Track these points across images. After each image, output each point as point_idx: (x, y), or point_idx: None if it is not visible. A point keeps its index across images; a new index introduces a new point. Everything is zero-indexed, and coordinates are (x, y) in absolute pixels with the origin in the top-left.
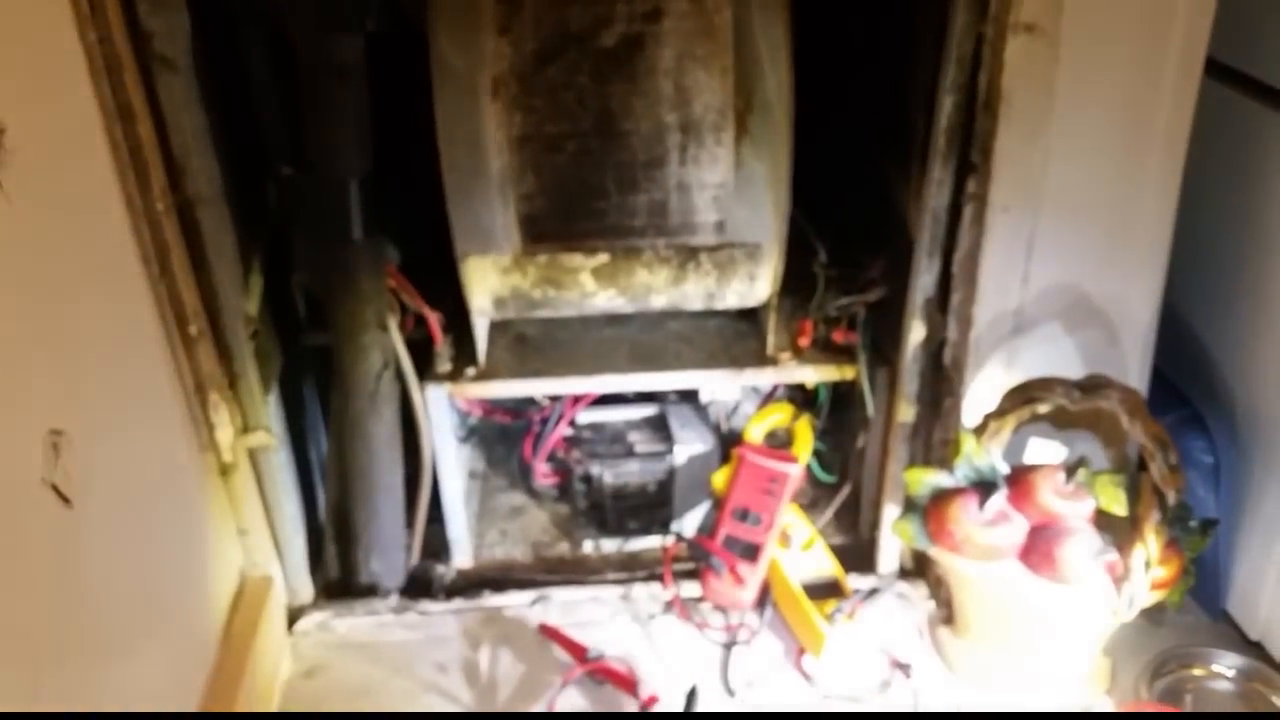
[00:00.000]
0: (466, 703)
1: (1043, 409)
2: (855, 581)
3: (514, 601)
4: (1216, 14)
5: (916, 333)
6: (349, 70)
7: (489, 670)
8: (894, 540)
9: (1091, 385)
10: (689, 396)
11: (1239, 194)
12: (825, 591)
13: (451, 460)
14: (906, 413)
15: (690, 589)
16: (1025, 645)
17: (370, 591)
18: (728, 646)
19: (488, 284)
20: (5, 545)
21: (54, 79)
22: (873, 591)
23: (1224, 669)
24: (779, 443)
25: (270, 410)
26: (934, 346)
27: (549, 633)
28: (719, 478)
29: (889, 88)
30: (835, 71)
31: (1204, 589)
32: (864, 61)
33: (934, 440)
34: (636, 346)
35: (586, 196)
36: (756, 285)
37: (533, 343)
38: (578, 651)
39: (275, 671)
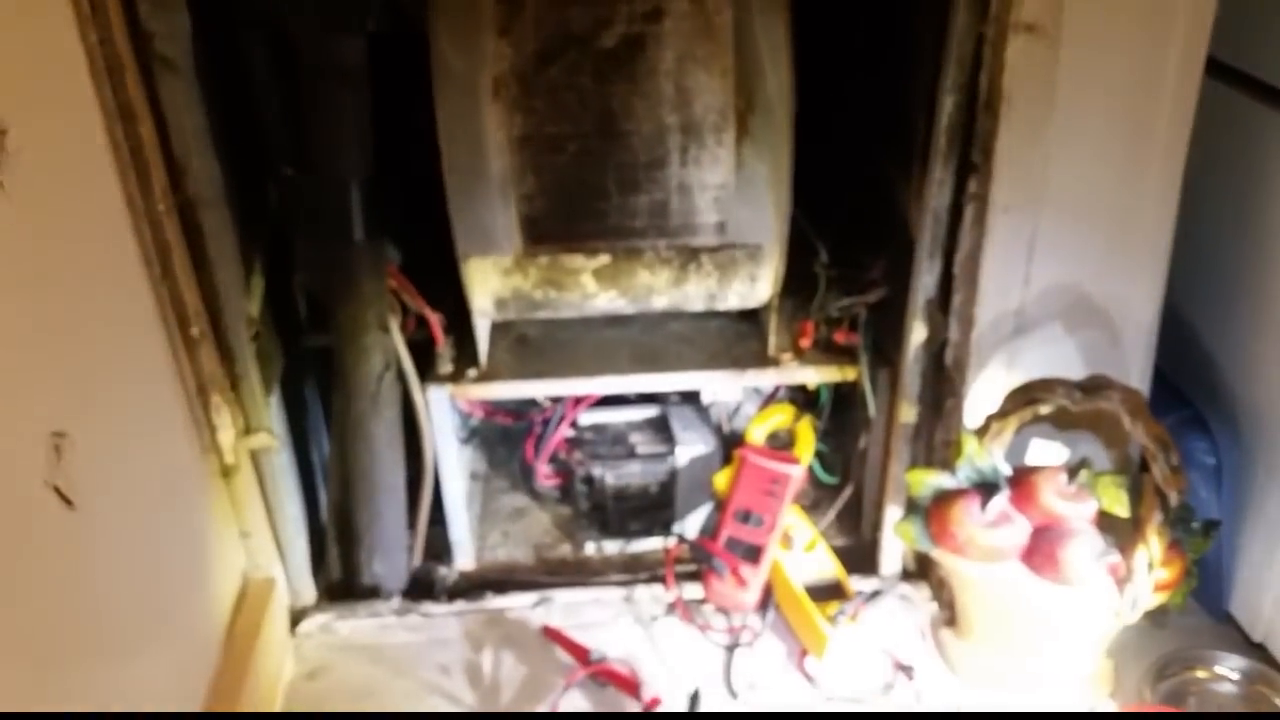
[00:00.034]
0: (469, 704)
1: (1044, 410)
2: (857, 583)
3: (516, 603)
4: (1218, 14)
5: (918, 333)
6: (350, 71)
7: (491, 672)
8: (896, 542)
9: (1093, 386)
10: (690, 398)
11: (1241, 194)
12: (827, 593)
13: (453, 462)
14: (908, 414)
15: (693, 591)
16: (1028, 647)
17: (373, 593)
18: (730, 648)
19: (489, 285)
20: (8, 547)
21: (55, 80)
22: (875, 593)
23: (1227, 671)
24: (781, 444)
25: (272, 412)
26: (935, 347)
27: (551, 635)
28: (721, 479)
29: (890, 88)
30: (836, 72)
31: (1207, 591)
32: (865, 62)
33: (936, 441)
34: (638, 347)
35: (587, 197)
36: (758, 286)
37: (534, 344)
38: (580, 653)
39: (278, 673)
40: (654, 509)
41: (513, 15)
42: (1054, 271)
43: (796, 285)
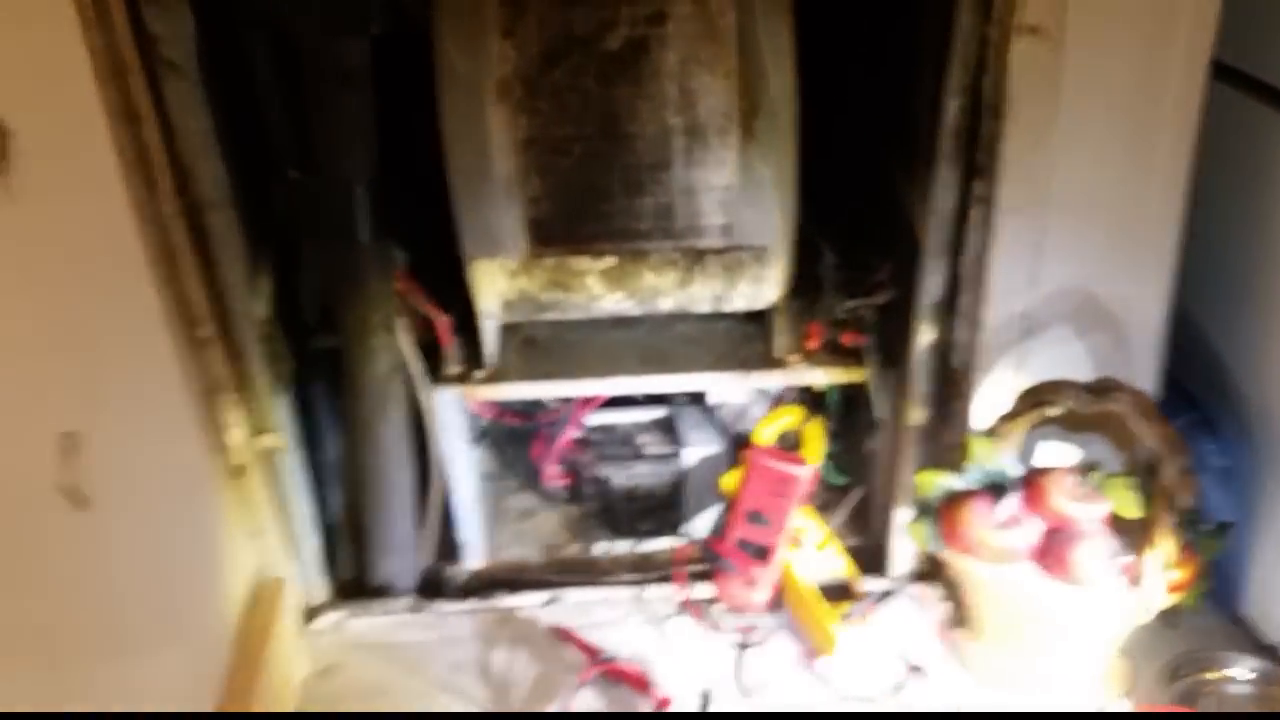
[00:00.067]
0: (481, 703)
1: (1053, 412)
2: (868, 584)
3: (527, 602)
4: (1225, 18)
5: (925, 335)
6: (354, 74)
7: (503, 671)
8: (907, 542)
9: (1102, 388)
10: (698, 399)
11: (1249, 197)
12: (838, 594)
13: (463, 462)
14: (916, 415)
15: (703, 590)
16: (1039, 648)
17: (384, 592)
18: (741, 648)
19: (496, 287)
20: (21, 548)
21: (60, 83)
22: (886, 594)
23: (1240, 672)
24: (789, 445)
25: (281, 412)
26: (943, 349)
27: (562, 634)
28: (729, 480)
29: (895, 90)
30: (841, 74)
31: (1219, 592)
32: (870, 64)
33: (945, 442)
34: (645, 349)
35: (593, 200)
36: (764, 288)
37: (541, 345)
38: (591, 653)
39: (290, 671)
40: (663, 509)
41: (517, 17)
42: (1061, 273)
43: (803, 287)
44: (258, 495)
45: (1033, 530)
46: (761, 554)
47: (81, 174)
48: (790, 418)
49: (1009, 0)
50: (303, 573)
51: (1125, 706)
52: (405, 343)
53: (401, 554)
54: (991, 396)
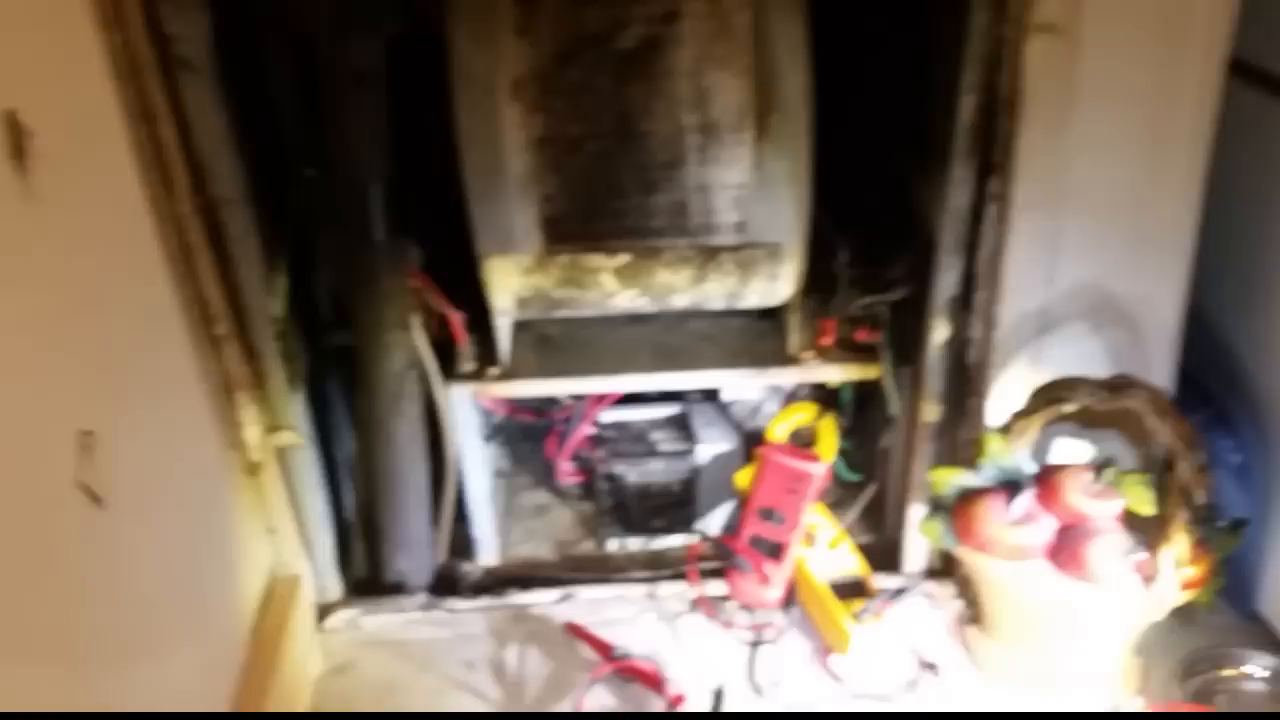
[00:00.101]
0: (494, 700)
1: (1069, 408)
2: (882, 581)
3: (540, 599)
4: (1242, 15)
5: (940, 332)
6: (368, 72)
7: (516, 668)
8: (920, 540)
9: (1118, 385)
10: (711, 396)
11: (1266, 193)
12: (851, 591)
13: (476, 459)
14: (931, 412)
15: (716, 587)
16: (1053, 645)
17: (398, 589)
18: (754, 645)
19: (509, 284)
20: (39, 545)
21: (78, 83)
22: (899, 591)
23: (1256, 669)
24: (803, 442)
25: (296, 410)
26: (958, 346)
27: (575, 631)
28: (743, 477)
29: (910, 88)
30: (856, 71)
31: (1235, 589)
32: (885, 61)
33: (959, 440)
34: (658, 346)
35: (607, 197)
36: (778, 285)
37: (555, 342)
38: (604, 650)
39: (305, 668)
40: (676, 506)
41: (530, 16)
42: (1077, 270)
43: (817, 284)
44: (273, 492)
45: (1047, 527)
46: (775, 551)
47: (99, 173)
48: (804, 415)
49: None
50: (317, 570)
51: (1139, 704)
52: (419, 340)
53: (415, 551)
54: (1006, 393)
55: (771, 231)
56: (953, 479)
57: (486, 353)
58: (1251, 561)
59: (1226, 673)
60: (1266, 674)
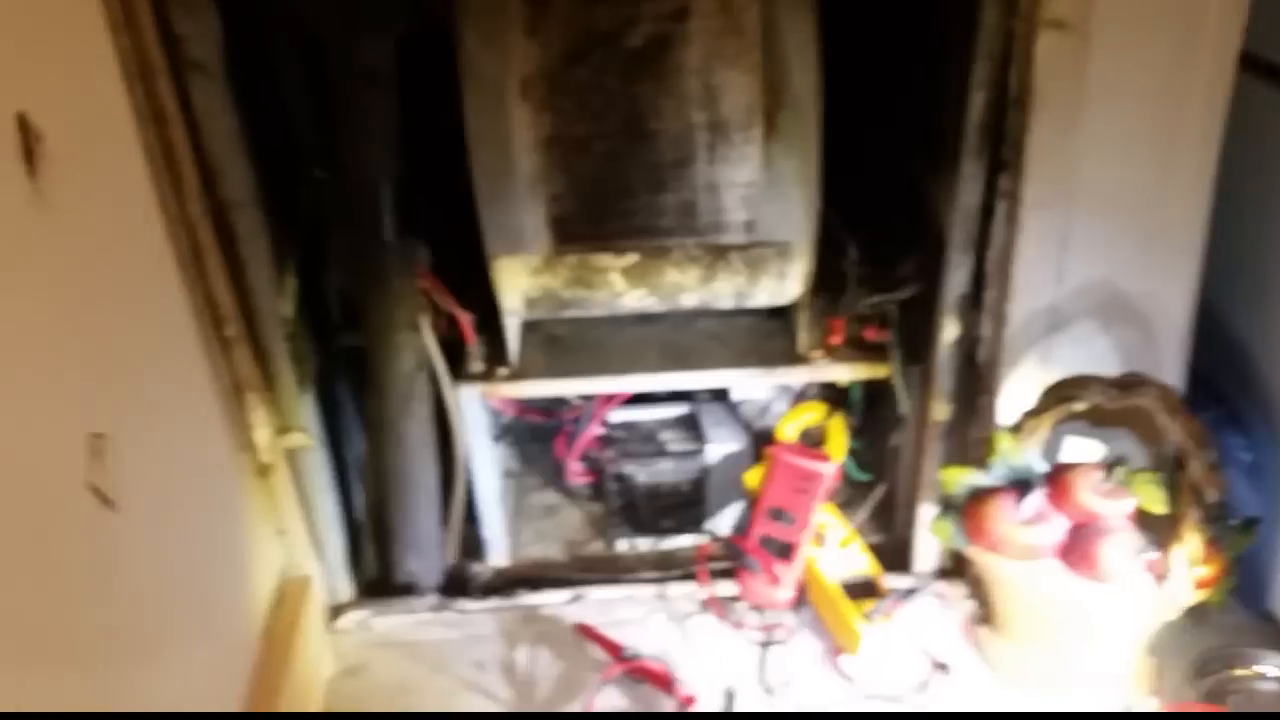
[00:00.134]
0: (505, 701)
1: (1079, 407)
2: (892, 581)
3: (550, 600)
4: (1253, 8)
5: (949, 330)
6: (378, 73)
7: (527, 669)
8: (931, 539)
9: (1128, 383)
10: (720, 395)
11: (1277, 189)
12: (862, 591)
13: (485, 460)
14: (941, 411)
15: (726, 588)
16: (1065, 645)
17: (408, 590)
18: (764, 646)
19: (518, 284)
20: (51, 547)
21: (88, 85)
22: (910, 591)
23: (1269, 669)
24: (812, 442)
25: (306, 411)
26: (968, 344)
27: (586, 632)
28: (752, 477)
29: (920, 85)
30: (866, 69)
31: (1247, 588)
32: (894, 58)
33: (969, 439)
34: (667, 346)
35: (615, 197)
36: (787, 283)
37: (564, 342)
38: (614, 651)
39: (316, 669)
40: (685, 506)
41: (539, 16)
42: (1087, 268)
43: (826, 283)
44: (283, 494)
45: (1058, 527)
46: (785, 551)
47: (109, 175)
48: (813, 414)
49: None
50: (327, 572)
51: (1151, 705)
52: (429, 341)
53: (425, 552)
54: (1016, 392)
55: (780, 230)
56: (963, 478)
57: (495, 353)
58: (1264, 560)
59: (1240, 673)
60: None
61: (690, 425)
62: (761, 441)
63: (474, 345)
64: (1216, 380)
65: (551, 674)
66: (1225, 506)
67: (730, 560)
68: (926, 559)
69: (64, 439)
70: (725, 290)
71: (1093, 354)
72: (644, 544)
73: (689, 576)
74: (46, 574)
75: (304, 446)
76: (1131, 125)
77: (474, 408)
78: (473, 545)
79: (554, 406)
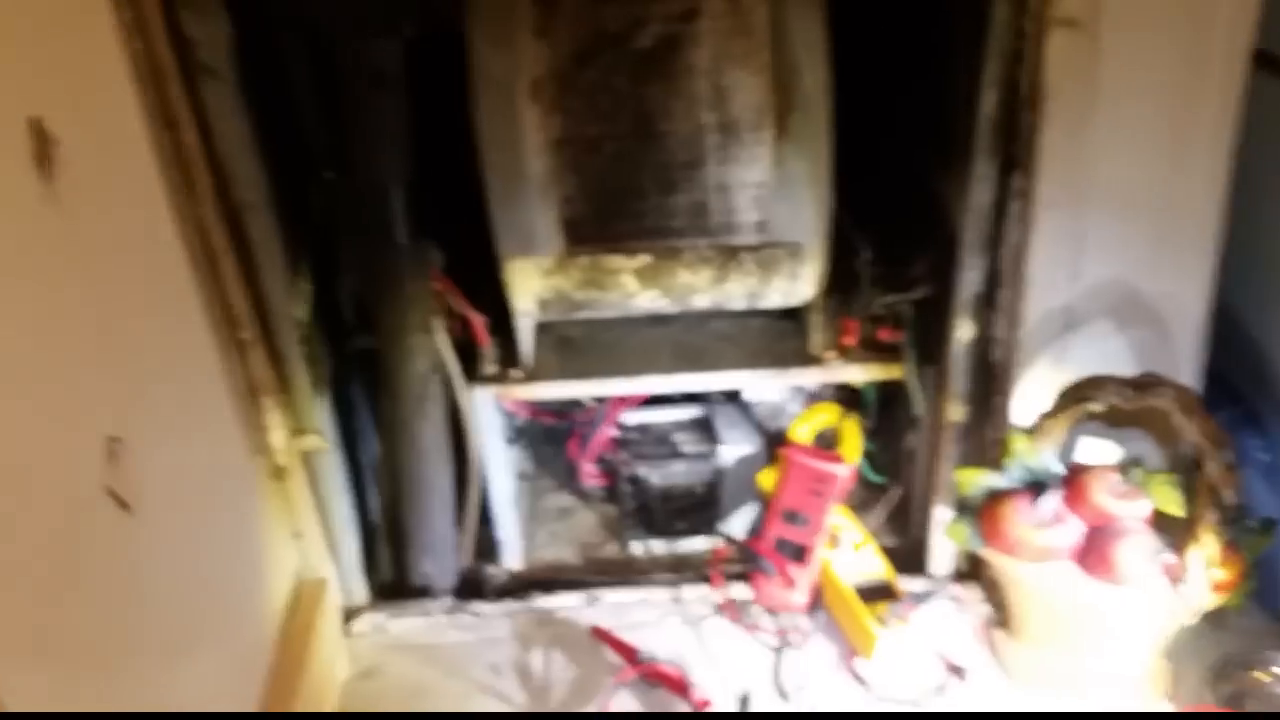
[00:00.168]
0: (520, 704)
1: (1095, 408)
2: (907, 584)
3: (565, 603)
4: (1265, 6)
5: (964, 331)
6: (388, 76)
7: (542, 672)
8: (946, 542)
9: (1145, 384)
10: (733, 397)
11: None
12: (877, 594)
13: (499, 462)
14: (955, 412)
15: (740, 591)
16: (1081, 648)
17: (423, 593)
18: (779, 649)
19: (530, 286)
20: (69, 550)
21: (101, 90)
22: (925, 594)
23: None
24: (826, 443)
25: (321, 413)
26: (982, 345)
27: (600, 635)
28: (766, 479)
29: (931, 84)
30: (876, 69)
31: (1266, 590)
32: (905, 58)
33: (985, 440)
34: (680, 347)
35: (626, 198)
36: (799, 284)
37: (577, 344)
38: (629, 654)
39: (332, 671)
40: (700, 508)
41: (549, 17)
42: (1102, 267)
43: (839, 283)
44: (298, 497)
45: (1074, 529)
46: (799, 554)
47: (122, 179)
48: (827, 415)
49: None
50: (342, 574)
51: (1168, 707)
52: (442, 343)
53: (440, 554)
54: (1032, 393)
55: (792, 230)
56: (979, 480)
57: (509, 355)
58: None
59: (1258, 675)
60: None
61: (704, 427)
62: (775, 443)
63: (487, 347)
64: (1233, 380)
65: (566, 677)
66: (1243, 508)
67: (744, 563)
68: (942, 561)
69: (81, 442)
70: (737, 291)
71: (1108, 354)
72: (658, 546)
73: (703, 579)
74: (64, 576)
75: (319, 449)
76: (1144, 123)
77: (488, 410)
78: (487, 548)
79: (567, 408)
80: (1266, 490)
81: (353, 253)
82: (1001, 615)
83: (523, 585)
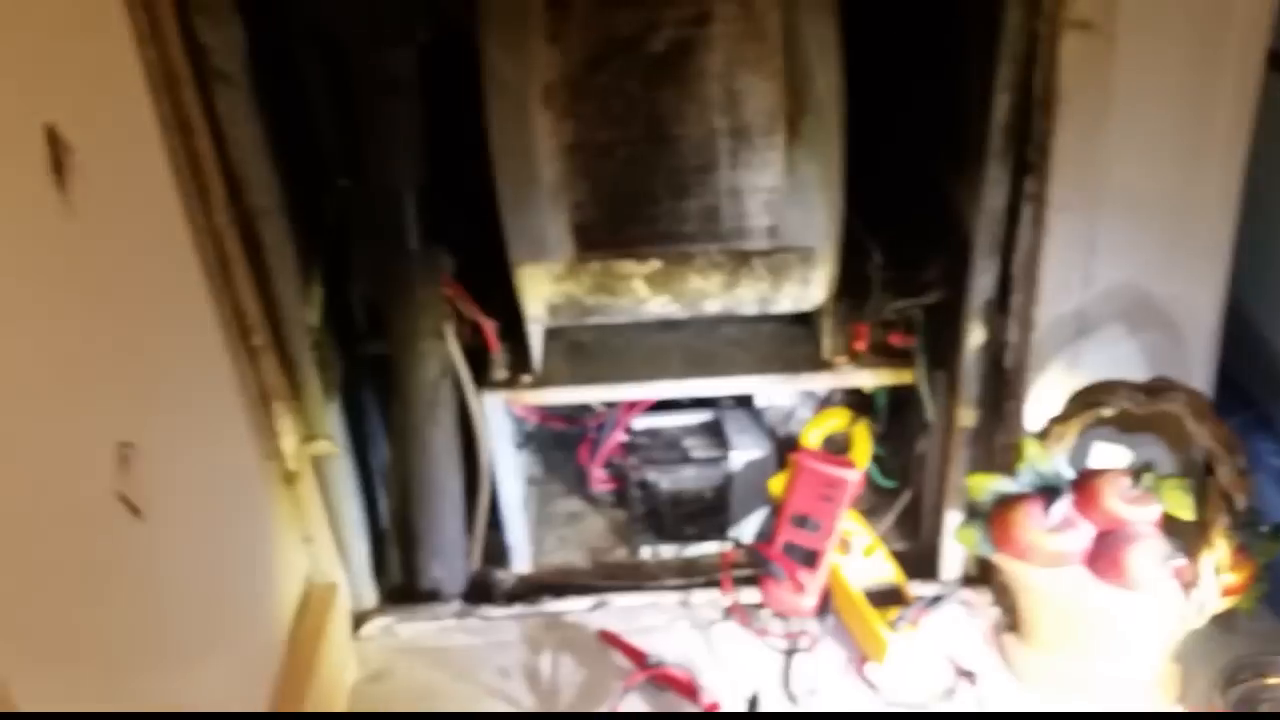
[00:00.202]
0: (529, 707)
1: (1107, 413)
2: (918, 588)
3: (574, 607)
4: None
5: (976, 335)
6: (402, 82)
7: (550, 676)
8: (957, 547)
9: (1157, 388)
10: (744, 402)
11: None
12: (887, 599)
13: (509, 467)
14: (967, 417)
15: (750, 595)
16: (1092, 653)
17: (432, 596)
18: (789, 654)
19: (542, 291)
20: (79, 556)
21: (115, 97)
22: (936, 598)
23: None
24: (837, 448)
25: (332, 419)
26: (994, 349)
27: (609, 639)
28: (776, 484)
29: (944, 87)
30: (889, 72)
31: (1277, 595)
32: (918, 61)
33: (996, 445)
34: (690, 352)
35: (638, 203)
36: (811, 289)
37: (587, 349)
38: (638, 658)
39: (341, 676)
40: (709, 513)
41: (561, 22)
42: (1115, 271)
43: (850, 288)
44: (309, 501)
45: (1085, 533)
46: (809, 559)
47: (136, 185)
48: (838, 420)
49: None
50: (352, 578)
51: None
52: (453, 348)
53: (450, 558)
54: (1043, 397)
55: (804, 235)
56: (990, 485)
57: (519, 360)
58: None
59: (1271, 681)
60: None
61: (714, 432)
62: (786, 448)
63: (498, 353)
64: (1246, 384)
65: (575, 681)
66: (1255, 512)
67: (754, 567)
68: (952, 566)
69: (93, 448)
70: (748, 296)
71: (1120, 359)
72: (667, 551)
73: (713, 584)
74: (74, 580)
75: (329, 454)
76: (1158, 126)
77: (498, 415)
78: (496, 552)
79: (577, 413)
80: (1278, 495)
81: (365, 258)
82: (1012, 620)
83: (532, 589)
